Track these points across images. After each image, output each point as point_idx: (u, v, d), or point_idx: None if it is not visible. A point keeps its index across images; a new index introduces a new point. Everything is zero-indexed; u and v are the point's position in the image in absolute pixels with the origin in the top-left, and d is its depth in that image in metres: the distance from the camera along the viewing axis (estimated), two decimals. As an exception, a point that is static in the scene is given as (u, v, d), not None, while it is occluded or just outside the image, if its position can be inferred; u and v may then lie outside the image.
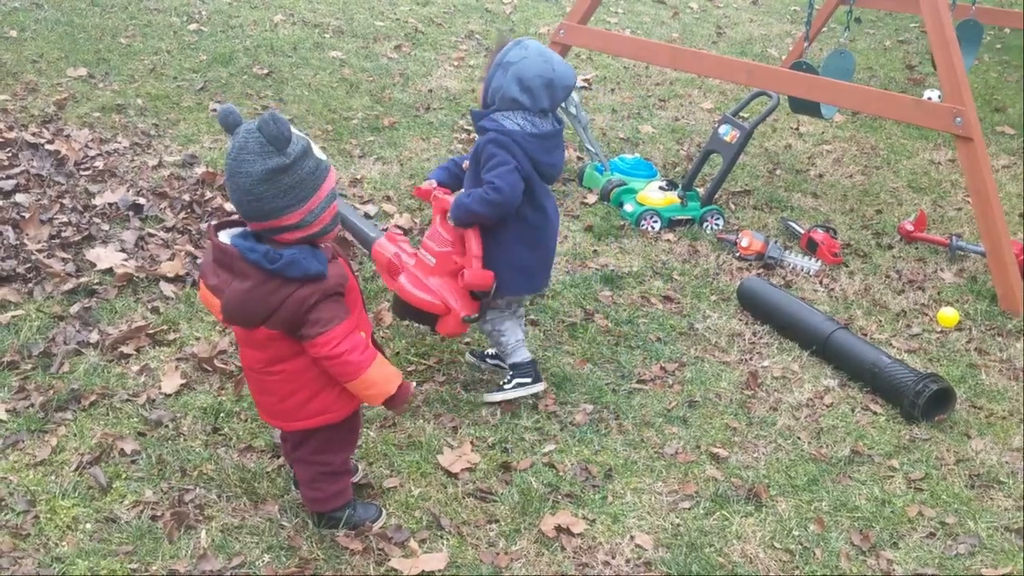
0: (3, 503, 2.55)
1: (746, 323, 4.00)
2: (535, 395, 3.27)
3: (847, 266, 4.55)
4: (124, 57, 6.33)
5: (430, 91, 6.52)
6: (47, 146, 4.80)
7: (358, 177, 5.07)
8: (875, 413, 3.42)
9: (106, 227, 4.21)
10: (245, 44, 6.88)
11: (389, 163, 5.31)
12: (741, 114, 4.99)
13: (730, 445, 3.20)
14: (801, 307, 3.89)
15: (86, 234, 4.10)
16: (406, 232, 4.49)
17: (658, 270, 4.41)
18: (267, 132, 2.09)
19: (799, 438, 3.25)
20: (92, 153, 4.87)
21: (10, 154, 4.64)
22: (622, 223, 4.84)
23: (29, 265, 3.78)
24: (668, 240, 4.72)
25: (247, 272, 2.18)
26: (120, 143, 5.07)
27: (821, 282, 4.38)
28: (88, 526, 2.52)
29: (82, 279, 3.71)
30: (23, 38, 6.41)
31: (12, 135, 4.83)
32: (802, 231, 4.74)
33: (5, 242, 3.90)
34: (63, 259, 3.87)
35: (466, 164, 3.15)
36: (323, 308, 2.25)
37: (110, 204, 4.36)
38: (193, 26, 7.14)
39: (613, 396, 3.41)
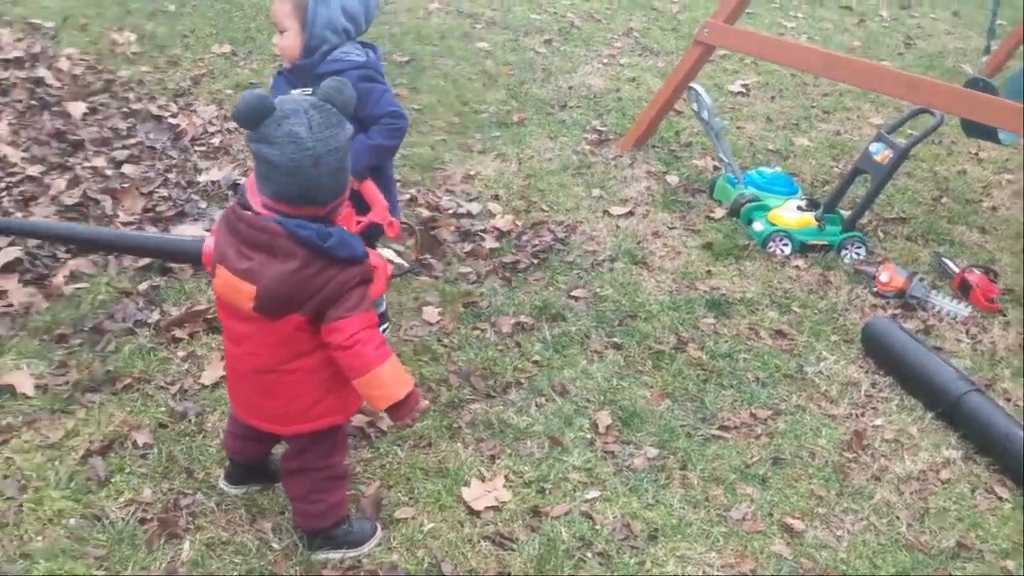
0: (-4, 486, 2.45)
1: (866, 371, 3.46)
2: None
3: (1003, 315, 3.89)
4: (269, 35, 6.35)
5: (570, 88, 6.20)
6: (169, 119, 4.82)
7: (471, 173, 4.83)
8: (1000, 498, 2.84)
9: (203, 205, 4.15)
10: (393, 30, 6.78)
11: (508, 161, 5.04)
12: (902, 132, 4.40)
13: (811, 517, 2.72)
14: (932, 359, 3.31)
15: (179, 210, 4.05)
16: (504, 235, 4.21)
17: (776, 299, 3.92)
18: (339, 100, 2.04)
19: (897, 518, 2.74)
20: (212, 130, 4.86)
21: (130, 125, 4.68)
22: (747, 243, 4.36)
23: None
24: (796, 267, 4.21)
25: (293, 252, 2.01)
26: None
27: (968, 331, 3.76)
28: (71, 522, 2.38)
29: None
30: (181, 12, 6.56)
31: (138, 106, 4.88)
32: (956, 270, 4.11)
33: (100, 211, 3.90)
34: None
35: None
36: (355, 293, 2.09)
37: (213, 182, 4.31)
38: (347, 10, 7.11)
39: (685, 441, 3.00)
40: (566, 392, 3.19)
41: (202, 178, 4.33)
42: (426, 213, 4.27)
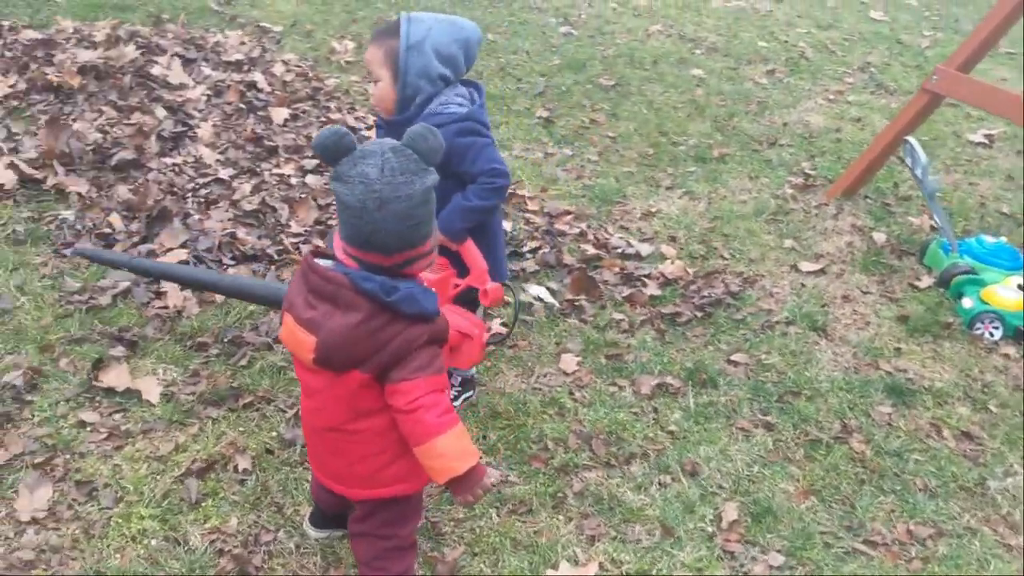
0: (96, 493, 2.50)
1: (1068, 496, 2.92)
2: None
3: None
4: (482, 53, 6.35)
5: (785, 125, 5.77)
6: (364, 131, 4.90)
7: (653, 210, 4.57)
8: None
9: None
10: (606, 52, 6.61)
11: (697, 199, 4.74)
12: None
13: (955, 674, 2.29)
14: None
15: (348, 226, 4.07)
16: (670, 282, 3.93)
17: (972, 392, 3.41)
18: (423, 147, 1.90)
19: None
20: (400, 145, 4.88)
21: (323, 135, 4.78)
22: (951, 320, 3.84)
23: (281, 247, 3.82)
24: (1005, 355, 3.65)
25: (356, 304, 1.90)
26: (432, 138, 5.03)
27: None
28: (152, 543, 2.39)
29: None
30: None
31: (337, 116, 4.99)
32: None
33: (275, 219, 4.00)
34: (314, 247, 3.86)
35: None
36: (423, 353, 1.96)
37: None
38: (564, 28, 7.03)
39: (821, 552, 2.63)
40: (696, 473, 2.89)
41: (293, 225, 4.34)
42: (591, 251, 4.07)
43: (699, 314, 3.75)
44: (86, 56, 4.90)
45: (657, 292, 3.86)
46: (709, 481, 2.87)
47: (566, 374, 3.31)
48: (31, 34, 5.13)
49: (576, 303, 3.72)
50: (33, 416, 2.74)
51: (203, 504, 2.52)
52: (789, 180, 5.03)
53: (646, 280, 3.93)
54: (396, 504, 2.18)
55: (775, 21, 7.77)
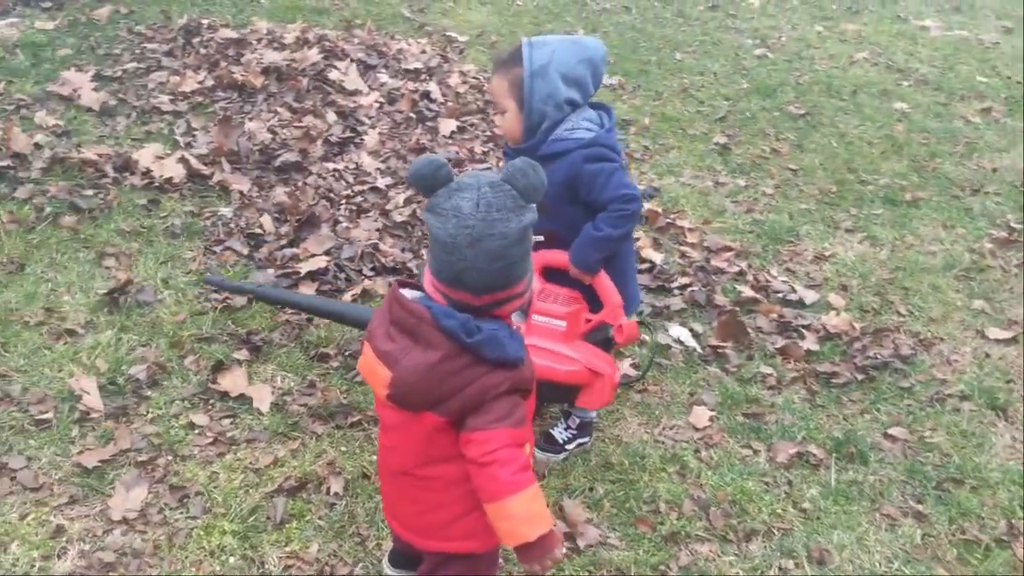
0: (187, 500, 2.49)
1: None
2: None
3: None
4: (666, 72, 6.13)
5: (994, 170, 5.20)
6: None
7: (826, 254, 4.20)
8: None
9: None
10: (800, 79, 6.21)
11: (879, 246, 4.33)
12: None
13: None
14: None
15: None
16: (831, 337, 3.57)
17: None
18: (523, 184, 1.75)
19: None
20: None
21: (487, 149, 4.71)
22: None
23: (423, 262, 3.76)
24: None
25: (436, 341, 1.78)
26: (599, 159, 4.86)
27: None
28: (230, 560, 2.34)
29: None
30: (594, 38, 6.54)
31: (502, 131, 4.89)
32: None
33: (423, 232, 3.95)
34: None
35: None
36: (503, 402, 1.80)
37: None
38: (760, 51, 6.67)
39: None
40: (824, 561, 2.57)
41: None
42: (747, 293, 3.77)
43: (860, 376, 3.38)
44: (272, 57, 5.05)
45: (815, 347, 3.51)
46: (838, 571, 2.54)
47: (695, 429, 3.05)
48: (227, 33, 5.35)
49: (720, 350, 3.44)
50: (148, 412, 2.78)
51: (287, 525, 2.46)
52: (990, 233, 4.51)
53: (804, 331, 3.59)
54: (465, 561, 2.03)
55: (1000, 54, 7.07)
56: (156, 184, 3.95)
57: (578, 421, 2.88)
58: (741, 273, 3.96)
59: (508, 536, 1.82)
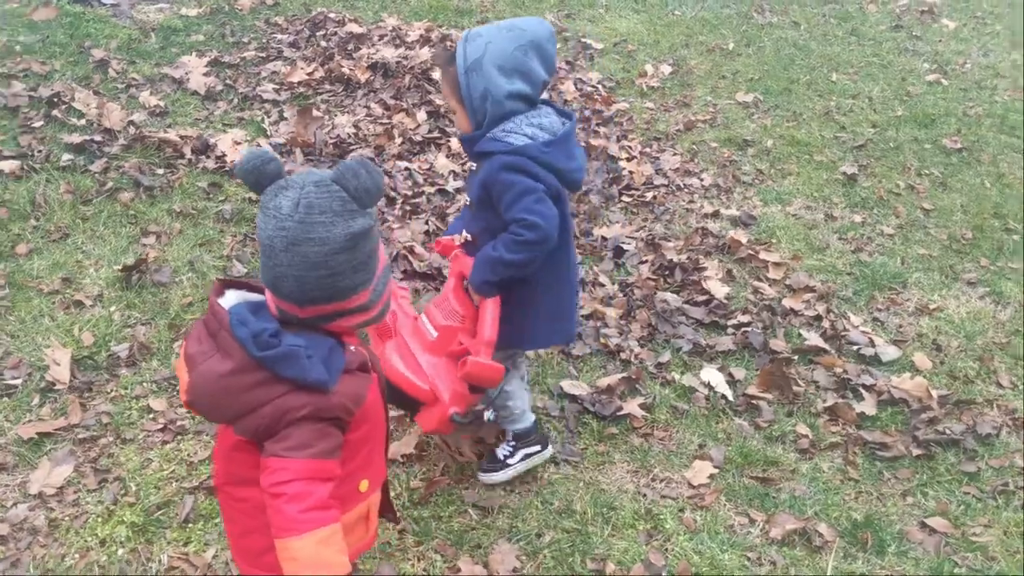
0: (105, 484, 2.45)
1: None
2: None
3: None
4: (813, 93, 5.62)
5: None
6: (622, 162, 4.52)
7: (932, 306, 3.67)
8: None
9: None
10: (970, 110, 5.52)
11: (1003, 304, 3.76)
12: None
13: None
14: None
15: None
16: (898, 403, 3.08)
17: None
18: (353, 185, 1.58)
19: None
20: (658, 182, 4.43)
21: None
22: None
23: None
24: None
25: (232, 350, 1.60)
26: (701, 179, 4.51)
27: None
28: (118, 552, 2.26)
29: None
30: (739, 52, 6.15)
31: (601, 143, 4.65)
32: None
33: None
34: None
35: (466, 200, 2.44)
36: (304, 429, 1.60)
37: (603, 238, 3.91)
38: (932, 76, 6.00)
39: None
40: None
41: (598, 231, 3.95)
42: (813, 341, 3.32)
43: (916, 452, 2.89)
44: (386, 54, 5.04)
45: (871, 411, 3.04)
46: None
47: (690, 486, 2.70)
48: (353, 28, 5.40)
49: (756, 401, 3.05)
50: (112, 391, 2.77)
51: (192, 525, 2.36)
52: None
53: (865, 392, 3.12)
54: None
55: None
56: (226, 169, 4.01)
57: (512, 432, 2.62)
58: (817, 318, 3.51)
59: None
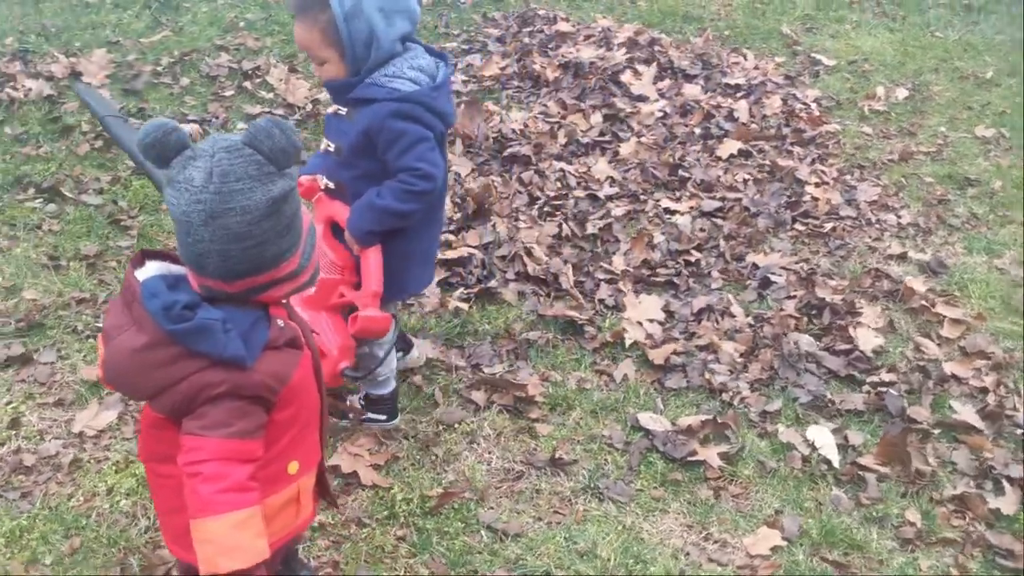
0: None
1: None
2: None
3: None
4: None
5: None
6: (807, 188, 4.09)
7: None
8: None
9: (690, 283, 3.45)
10: None
11: None
12: None
13: None
14: None
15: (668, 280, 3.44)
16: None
17: None
18: (268, 147, 1.48)
19: None
20: (844, 213, 3.95)
21: (761, 177, 4.09)
22: None
23: (560, 286, 3.39)
24: None
25: (146, 324, 1.52)
26: (899, 216, 3.99)
27: None
28: (120, 503, 2.30)
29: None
30: (1004, 84, 5.38)
31: (789, 164, 4.23)
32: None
33: (603, 250, 3.55)
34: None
35: (329, 146, 2.29)
36: (221, 407, 1.51)
37: (755, 266, 3.54)
38: None
39: None
40: None
41: (753, 257, 3.58)
42: (965, 416, 2.81)
43: None
44: (584, 54, 4.90)
45: (1010, 509, 2.52)
46: None
47: (748, 555, 2.34)
48: (561, 26, 5.30)
49: (865, 472, 2.61)
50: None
51: None
52: None
53: (1008, 485, 2.58)
54: None
55: None
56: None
57: (365, 392, 2.54)
58: (982, 391, 2.96)
59: (205, 563, 1.52)
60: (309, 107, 4.27)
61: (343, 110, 2.26)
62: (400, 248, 2.30)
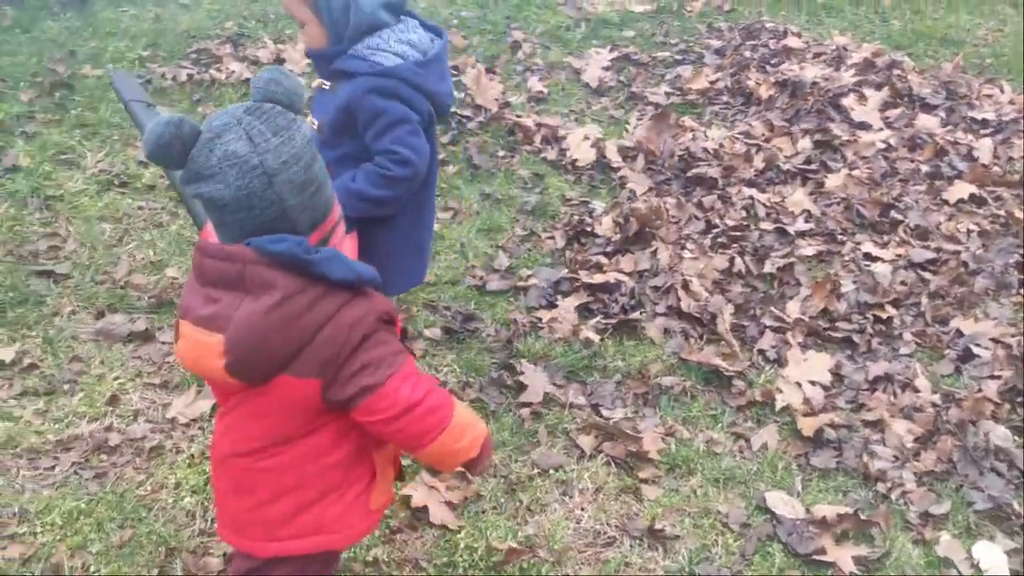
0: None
1: None
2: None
3: None
4: None
5: None
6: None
7: None
8: None
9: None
10: None
11: None
12: None
13: None
14: None
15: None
16: None
17: None
18: (281, 93, 1.46)
19: None
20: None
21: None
22: None
23: (714, 329, 3.01)
24: None
25: (270, 280, 1.40)
26: None
27: None
28: (184, 500, 2.21)
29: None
30: None
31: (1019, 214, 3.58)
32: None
33: (776, 293, 3.14)
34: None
35: (312, 123, 2.16)
36: (376, 345, 1.47)
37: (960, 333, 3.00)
38: None
39: None
40: None
41: (959, 322, 3.03)
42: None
43: None
44: (808, 73, 4.42)
45: None
46: None
47: None
48: (790, 41, 4.82)
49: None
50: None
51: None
52: None
53: None
54: (305, 564, 1.63)
55: None
56: (563, 163, 3.83)
57: None
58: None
59: (466, 452, 1.58)
60: (495, 110, 4.11)
61: (327, 84, 2.14)
62: (389, 242, 2.18)
